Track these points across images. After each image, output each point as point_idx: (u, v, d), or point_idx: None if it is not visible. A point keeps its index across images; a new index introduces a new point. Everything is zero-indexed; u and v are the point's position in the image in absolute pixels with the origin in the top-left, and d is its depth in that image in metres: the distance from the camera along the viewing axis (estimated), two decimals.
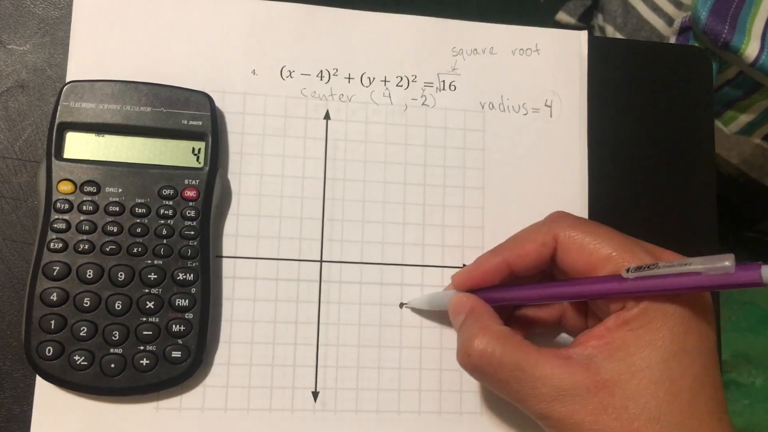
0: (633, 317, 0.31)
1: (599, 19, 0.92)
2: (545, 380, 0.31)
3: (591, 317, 0.37)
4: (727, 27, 0.70)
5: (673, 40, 0.80)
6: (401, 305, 0.40)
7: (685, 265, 0.29)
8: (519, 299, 0.37)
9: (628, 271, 0.31)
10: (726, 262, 0.28)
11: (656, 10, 0.85)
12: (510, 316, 0.39)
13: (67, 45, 0.40)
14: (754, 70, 0.71)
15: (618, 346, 0.31)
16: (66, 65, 0.40)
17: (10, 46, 0.40)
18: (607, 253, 0.32)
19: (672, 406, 0.30)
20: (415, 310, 0.40)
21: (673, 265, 0.30)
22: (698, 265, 0.29)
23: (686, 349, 0.30)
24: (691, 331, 0.31)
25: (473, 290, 0.37)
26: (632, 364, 0.30)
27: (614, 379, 0.30)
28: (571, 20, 0.98)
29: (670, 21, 0.84)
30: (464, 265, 0.41)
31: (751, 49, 0.70)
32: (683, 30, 0.79)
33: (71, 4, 0.40)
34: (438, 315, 0.40)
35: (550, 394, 0.31)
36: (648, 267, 0.30)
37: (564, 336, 0.40)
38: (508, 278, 0.36)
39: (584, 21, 0.98)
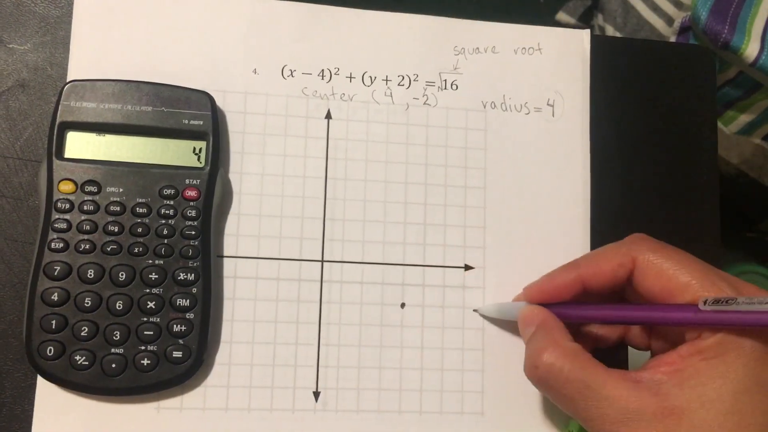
0: (708, 347, 0.30)
1: (599, 19, 0.92)
2: (612, 401, 0.31)
3: (655, 337, 0.37)
4: (727, 27, 0.70)
5: (673, 40, 0.80)
6: (475, 311, 0.41)
7: (766, 303, 0.28)
8: (591, 318, 0.37)
9: (705, 303, 0.30)
10: None
11: (656, 10, 0.85)
12: (575, 330, 0.39)
13: (68, 44, 0.40)
14: (754, 70, 0.71)
15: (690, 375, 0.30)
16: (67, 64, 0.40)
17: (10, 45, 0.40)
18: (686, 281, 0.32)
19: None
20: (484, 316, 0.41)
21: (753, 303, 0.29)
22: None
23: (760, 384, 0.30)
24: (766, 366, 0.30)
25: (543, 304, 0.37)
26: (703, 393, 0.30)
27: (683, 407, 0.30)
28: (571, 20, 0.98)
29: (670, 21, 0.84)
30: (466, 266, 0.41)
31: (751, 49, 0.70)
32: (683, 30, 0.79)
33: (72, 3, 0.40)
34: (441, 317, 0.40)
35: (616, 416, 0.30)
36: (726, 301, 0.30)
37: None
38: (581, 295, 0.36)
39: (584, 21, 0.98)
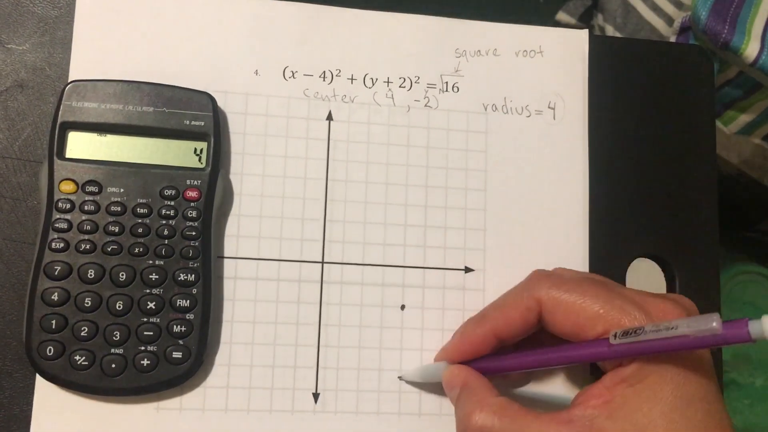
0: (630, 374, 0.31)
1: (599, 19, 0.92)
2: None
3: None
4: (727, 27, 0.70)
5: (673, 40, 0.80)
6: (399, 378, 0.40)
7: (672, 329, 0.29)
8: (510, 368, 0.36)
9: (615, 336, 0.31)
10: (713, 323, 0.27)
11: (656, 10, 0.85)
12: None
13: (67, 44, 0.40)
14: (754, 70, 0.71)
15: (619, 405, 0.30)
16: (65, 65, 0.40)
17: (9, 46, 0.40)
18: (595, 312, 0.32)
19: None
20: (411, 382, 0.40)
21: (660, 329, 0.29)
22: (684, 328, 0.28)
23: (687, 399, 0.30)
24: (689, 379, 0.30)
25: (464, 361, 0.37)
26: (635, 421, 0.30)
27: None
28: (571, 20, 0.98)
29: (670, 21, 0.84)
30: (466, 268, 0.41)
31: (751, 49, 0.70)
32: (683, 30, 0.79)
33: (71, 4, 0.40)
34: (441, 319, 0.40)
35: None
36: (635, 332, 0.30)
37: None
38: (497, 347, 0.36)
39: (584, 21, 0.98)
